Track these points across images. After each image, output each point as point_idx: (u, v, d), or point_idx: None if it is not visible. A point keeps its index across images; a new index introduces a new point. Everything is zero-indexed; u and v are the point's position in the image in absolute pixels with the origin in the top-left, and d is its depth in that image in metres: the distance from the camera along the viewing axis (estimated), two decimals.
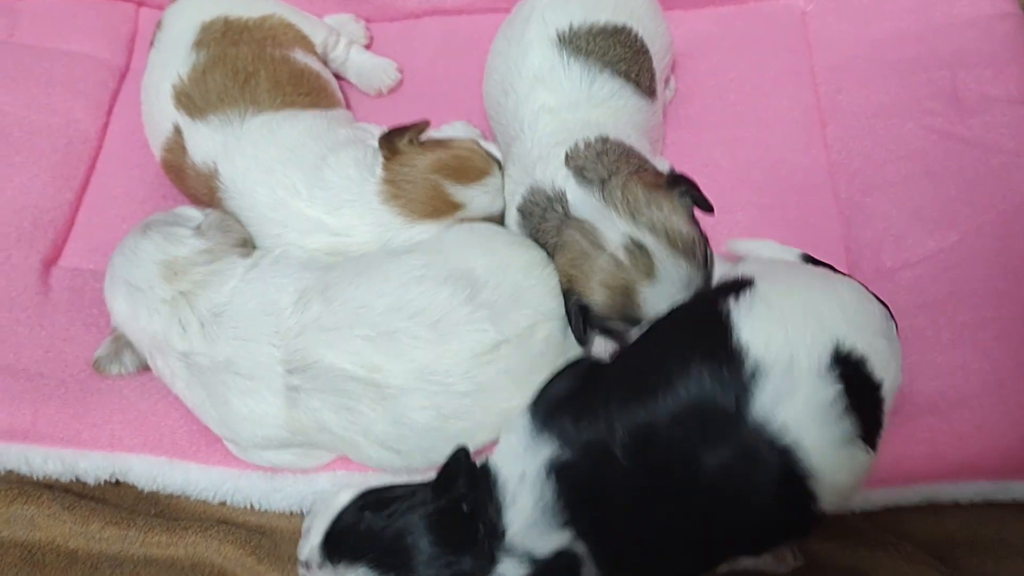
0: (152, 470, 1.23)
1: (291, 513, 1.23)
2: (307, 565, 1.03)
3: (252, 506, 1.23)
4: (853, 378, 0.95)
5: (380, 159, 1.26)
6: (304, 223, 1.24)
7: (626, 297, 1.11)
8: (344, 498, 1.05)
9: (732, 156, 1.45)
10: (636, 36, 1.32)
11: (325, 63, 1.50)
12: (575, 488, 0.97)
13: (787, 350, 0.94)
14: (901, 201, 1.35)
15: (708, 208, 1.15)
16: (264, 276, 1.18)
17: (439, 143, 1.29)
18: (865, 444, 0.94)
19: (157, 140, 1.36)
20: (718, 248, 1.18)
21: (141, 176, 1.49)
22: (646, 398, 0.96)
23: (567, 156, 1.19)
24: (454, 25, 1.64)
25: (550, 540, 0.97)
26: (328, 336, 1.11)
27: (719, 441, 0.92)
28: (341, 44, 1.53)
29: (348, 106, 1.50)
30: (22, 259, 1.38)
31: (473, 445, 1.15)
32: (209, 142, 1.29)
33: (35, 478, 1.25)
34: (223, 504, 1.24)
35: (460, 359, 1.10)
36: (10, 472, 1.25)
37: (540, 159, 1.21)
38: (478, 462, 1.06)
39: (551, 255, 1.18)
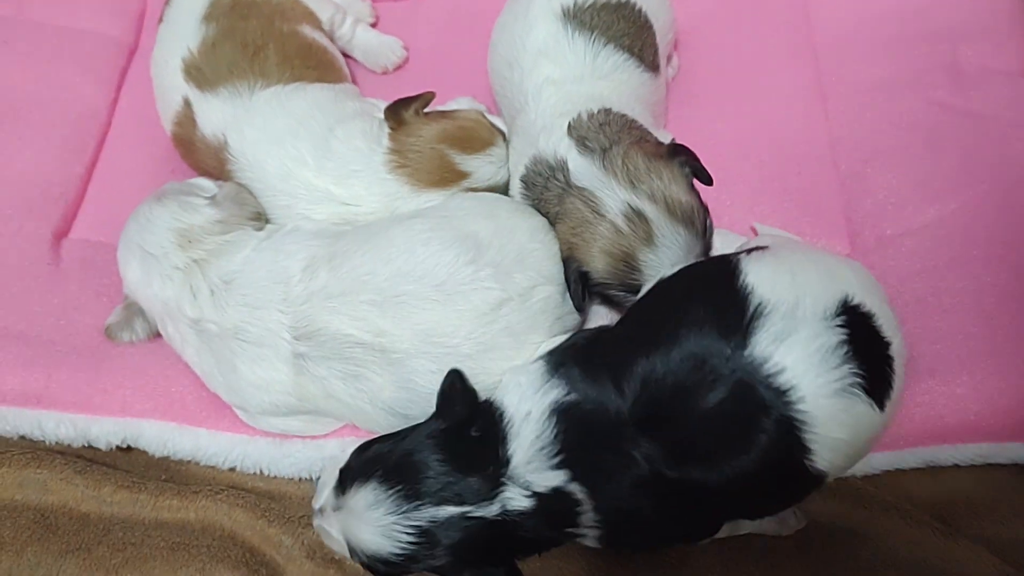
0: (162, 435, 1.25)
1: (300, 479, 1.25)
2: (321, 511, 1.05)
3: (261, 471, 1.25)
4: (860, 329, 0.93)
5: (386, 130, 1.28)
6: (312, 193, 1.26)
7: (626, 264, 1.13)
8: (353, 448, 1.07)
9: (733, 130, 1.46)
10: (639, 11, 1.34)
11: (332, 40, 1.51)
12: (575, 430, 0.98)
13: (792, 292, 0.92)
14: (902, 171, 1.36)
15: (708, 180, 1.17)
16: (275, 245, 1.20)
17: (444, 114, 1.31)
18: (869, 398, 0.91)
19: (167, 113, 1.37)
20: (720, 221, 1.20)
21: (151, 151, 1.50)
22: (650, 343, 0.96)
23: (570, 126, 1.20)
24: (459, 4, 1.66)
25: (546, 477, 0.98)
26: (334, 303, 1.13)
27: (716, 381, 0.90)
28: (347, 22, 1.55)
29: (354, 83, 1.51)
30: (33, 230, 1.39)
31: None
32: (219, 114, 1.31)
33: (47, 443, 1.26)
34: (232, 470, 1.25)
35: (465, 320, 1.11)
36: (23, 437, 1.27)
37: (543, 129, 1.23)
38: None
39: (553, 224, 1.20)
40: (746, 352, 0.90)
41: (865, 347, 0.92)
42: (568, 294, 1.18)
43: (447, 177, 1.26)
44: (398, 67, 1.60)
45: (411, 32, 1.63)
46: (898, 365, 0.96)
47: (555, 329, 1.18)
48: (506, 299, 1.13)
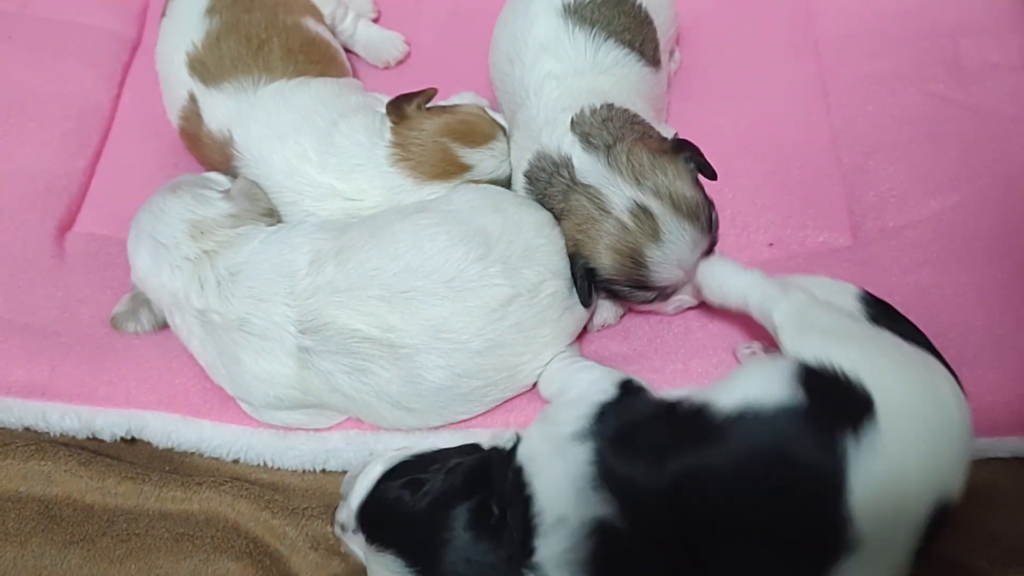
0: (167, 427, 1.25)
1: (304, 471, 1.25)
2: (343, 528, 1.05)
3: (265, 463, 1.25)
4: (939, 527, 0.92)
5: (389, 124, 1.28)
6: (317, 189, 1.27)
7: (633, 260, 1.13)
8: (378, 470, 1.05)
9: (735, 125, 1.46)
10: (640, 6, 1.35)
11: (334, 34, 1.52)
12: (613, 567, 0.94)
13: (891, 524, 0.90)
14: (904, 164, 1.37)
15: (711, 174, 1.17)
16: (281, 238, 1.20)
17: (445, 108, 1.31)
18: None
19: (173, 108, 1.38)
20: (722, 215, 1.19)
21: (154, 146, 1.51)
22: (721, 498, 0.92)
23: (573, 122, 1.21)
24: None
25: None
26: (341, 297, 1.13)
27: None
28: (349, 17, 1.56)
29: (356, 79, 1.51)
30: (37, 223, 1.40)
31: (484, 404, 1.19)
32: (224, 109, 1.31)
33: (52, 435, 1.27)
34: (236, 462, 1.25)
35: (475, 316, 1.12)
36: (28, 429, 1.27)
37: (546, 124, 1.23)
38: (506, 437, 1.06)
39: (558, 219, 1.20)
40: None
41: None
42: (574, 288, 1.19)
43: (450, 170, 1.27)
44: (400, 62, 1.61)
45: (413, 27, 1.64)
46: None
47: (563, 322, 1.19)
48: (515, 295, 1.14)
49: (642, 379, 1.11)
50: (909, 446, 0.91)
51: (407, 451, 1.09)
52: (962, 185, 1.33)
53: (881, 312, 1.10)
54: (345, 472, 1.21)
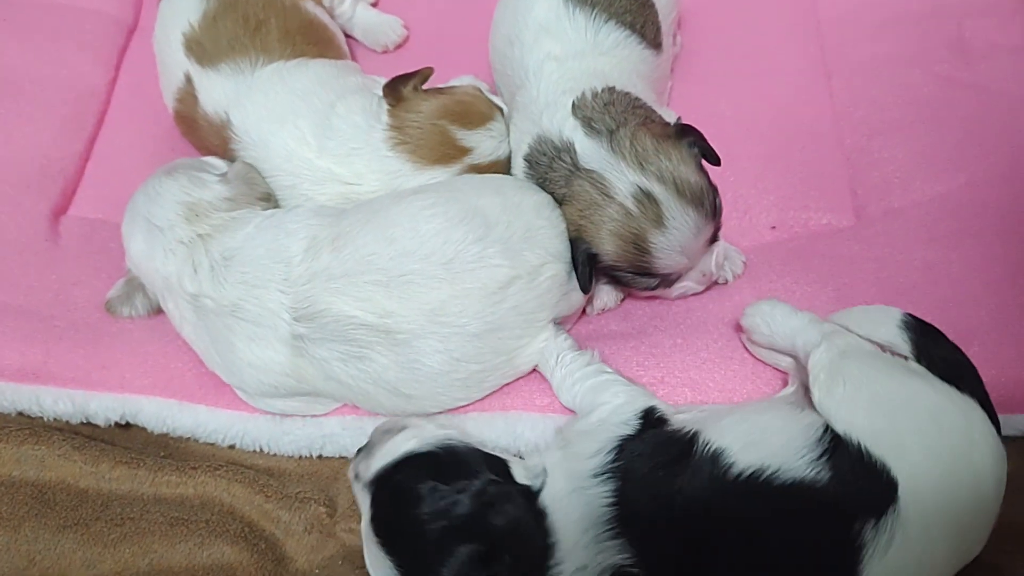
0: (161, 412, 1.24)
1: (300, 456, 1.24)
2: (357, 477, 1.04)
3: (261, 449, 1.24)
4: None
5: (386, 107, 1.27)
6: (315, 173, 1.26)
7: (636, 246, 1.12)
8: (410, 445, 1.03)
9: (737, 108, 1.46)
10: None
11: (332, 17, 1.51)
12: None
13: None
14: (908, 145, 1.36)
15: (716, 160, 1.16)
16: (276, 223, 1.19)
17: (442, 90, 1.30)
18: None
19: (169, 90, 1.37)
20: (724, 198, 1.17)
21: (150, 130, 1.50)
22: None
23: (574, 106, 1.20)
24: None
25: None
26: (337, 284, 1.12)
27: None
28: (347, 0, 1.54)
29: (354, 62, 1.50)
30: (31, 206, 1.39)
31: (482, 390, 1.18)
32: (220, 91, 1.30)
33: (46, 419, 1.26)
34: (232, 447, 1.25)
35: (474, 298, 1.10)
36: (21, 414, 1.26)
37: (547, 107, 1.22)
38: (534, 472, 1.03)
39: (559, 203, 1.19)
40: None
41: None
42: (574, 273, 1.17)
43: (449, 154, 1.25)
44: (398, 46, 1.60)
45: (412, 11, 1.63)
46: None
47: (560, 307, 1.17)
48: (515, 277, 1.12)
49: (656, 393, 1.11)
50: (935, 532, 0.91)
51: (444, 435, 1.05)
52: (968, 165, 1.32)
53: (924, 339, 1.08)
54: (342, 457, 1.22)
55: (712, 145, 1.16)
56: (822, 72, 1.49)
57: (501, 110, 1.31)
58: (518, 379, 1.20)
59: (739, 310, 1.20)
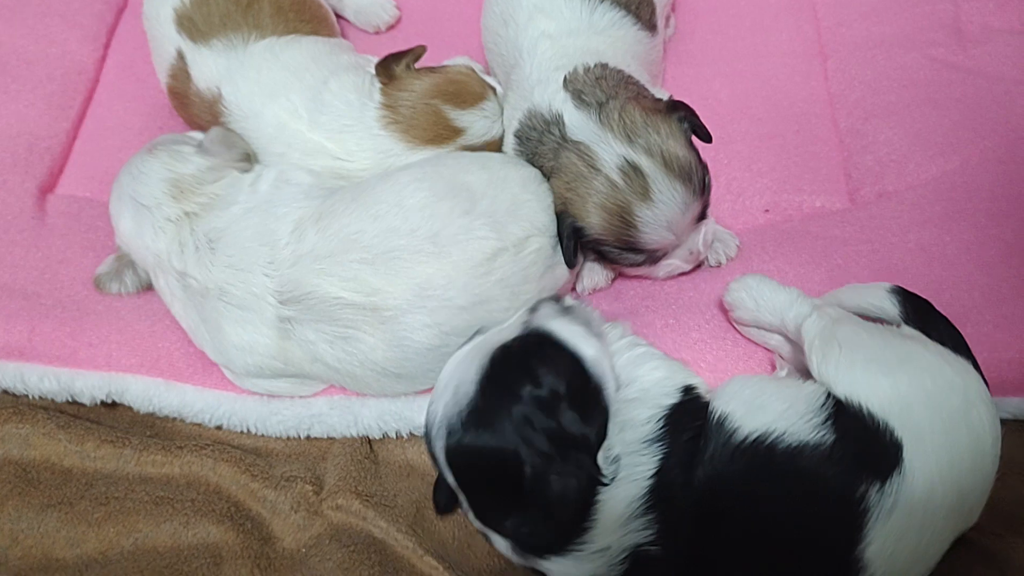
0: (148, 391, 1.23)
1: (288, 437, 1.23)
2: (533, 310, 1.04)
3: (248, 429, 1.23)
4: None
5: (378, 85, 1.26)
6: (307, 144, 1.24)
7: (621, 220, 1.11)
8: (581, 346, 1.00)
9: (731, 89, 1.45)
10: None
11: None
12: None
13: (905, 569, 0.91)
14: (903, 128, 1.36)
15: (707, 137, 1.15)
16: (265, 206, 1.17)
17: (435, 69, 1.29)
18: None
19: (162, 66, 1.35)
20: (717, 179, 1.17)
21: (138, 108, 1.49)
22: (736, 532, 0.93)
23: (565, 80, 1.19)
24: None
25: None
26: (323, 265, 1.11)
27: None
28: None
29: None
30: (18, 184, 1.37)
31: None
32: (212, 66, 1.29)
33: (30, 398, 1.24)
34: (219, 427, 1.24)
35: (460, 271, 1.10)
36: (5, 392, 1.24)
37: (539, 83, 1.21)
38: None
39: (547, 178, 1.18)
40: None
41: None
42: (559, 247, 1.16)
43: (442, 134, 1.24)
44: (390, 27, 1.59)
45: None
46: None
47: (545, 280, 1.16)
48: (501, 249, 1.11)
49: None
50: (937, 493, 0.90)
51: (607, 366, 1.01)
52: (963, 148, 1.32)
53: (914, 305, 1.07)
54: (330, 438, 1.21)
55: (706, 126, 1.15)
56: (817, 54, 1.48)
57: (495, 90, 1.30)
58: None
59: None
